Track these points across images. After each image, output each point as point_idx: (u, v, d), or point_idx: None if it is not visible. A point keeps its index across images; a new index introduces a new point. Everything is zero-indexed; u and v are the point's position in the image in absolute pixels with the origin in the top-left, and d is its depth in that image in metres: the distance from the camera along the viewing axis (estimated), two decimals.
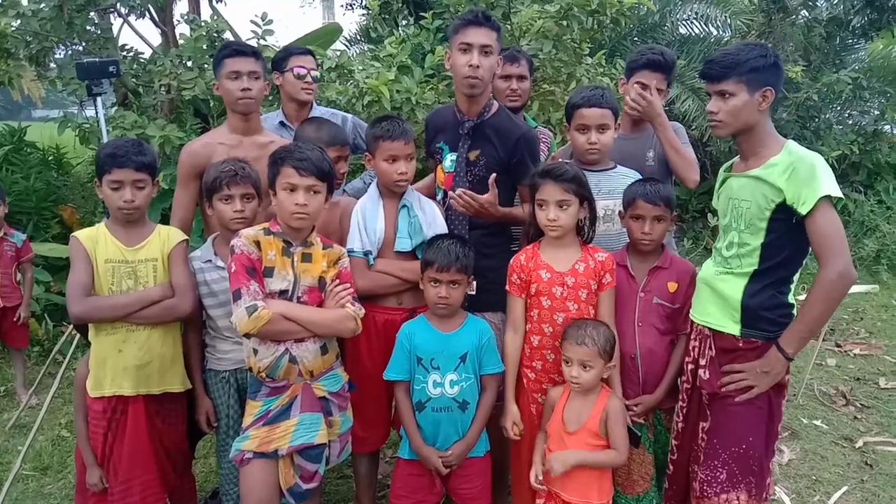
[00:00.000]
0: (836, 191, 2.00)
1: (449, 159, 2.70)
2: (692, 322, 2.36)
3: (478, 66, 2.53)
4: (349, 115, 3.56)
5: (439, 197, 2.78)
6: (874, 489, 3.31)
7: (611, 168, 2.75)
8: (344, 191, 3.22)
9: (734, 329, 2.18)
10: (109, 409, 2.39)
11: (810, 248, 2.11)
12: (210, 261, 2.52)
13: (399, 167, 2.53)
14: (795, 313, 2.19)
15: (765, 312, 2.14)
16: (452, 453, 2.44)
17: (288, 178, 2.24)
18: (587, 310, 2.41)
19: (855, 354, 5.13)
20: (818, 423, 3.99)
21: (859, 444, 3.73)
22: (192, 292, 2.44)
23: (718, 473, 2.20)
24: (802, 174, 2.02)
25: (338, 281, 2.36)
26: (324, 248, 2.37)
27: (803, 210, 2.01)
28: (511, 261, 2.49)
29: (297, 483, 2.30)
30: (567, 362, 2.30)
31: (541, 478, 2.36)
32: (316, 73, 3.28)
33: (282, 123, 3.29)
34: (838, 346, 5.27)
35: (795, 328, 2.11)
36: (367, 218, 2.58)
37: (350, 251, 2.52)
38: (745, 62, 2.09)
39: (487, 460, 2.57)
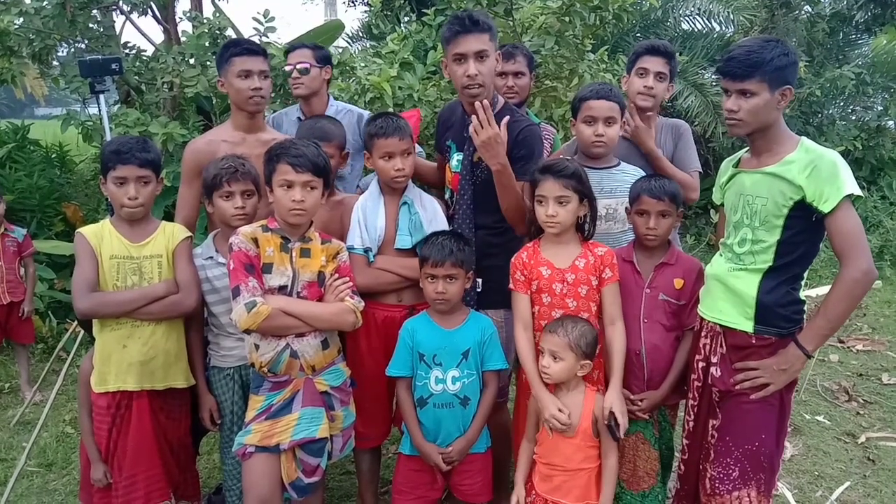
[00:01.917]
0: (857, 189, 1.99)
1: (455, 159, 2.69)
2: (702, 319, 2.33)
3: (476, 74, 2.48)
4: (365, 112, 3.50)
5: (447, 196, 2.76)
6: (876, 484, 3.31)
7: (614, 165, 2.71)
8: (358, 186, 3.19)
9: (747, 326, 2.16)
10: (114, 404, 2.40)
11: (820, 246, 2.11)
12: (212, 257, 2.53)
13: (395, 164, 2.53)
14: (807, 310, 2.17)
15: (780, 309, 2.12)
16: (453, 449, 2.44)
17: (284, 174, 2.24)
18: (587, 306, 2.39)
19: (858, 350, 5.13)
20: (821, 418, 3.99)
21: (862, 439, 3.73)
22: (196, 288, 2.45)
23: (731, 471, 2.18)
24: (824, 172, 1.99)
25: (337, 275, 2.36)
26: (322, 243, 2.38)
27: (825, 208, 1.98)
28: (513, 258, 2.48)
29: (299, 477, 2.31)
30: (541, 352, 2.31)
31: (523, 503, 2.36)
32: (302, 66, 3.23)
33: (298, 118, 3.30)
34: (841, 341, 5.26)
35: (816, 325, 2.08)
36: (367, 215, 2.58)
37: (350, 248, 2.52)
38: (769, 61, 2.01)
39: (488, 456, 2.57)
